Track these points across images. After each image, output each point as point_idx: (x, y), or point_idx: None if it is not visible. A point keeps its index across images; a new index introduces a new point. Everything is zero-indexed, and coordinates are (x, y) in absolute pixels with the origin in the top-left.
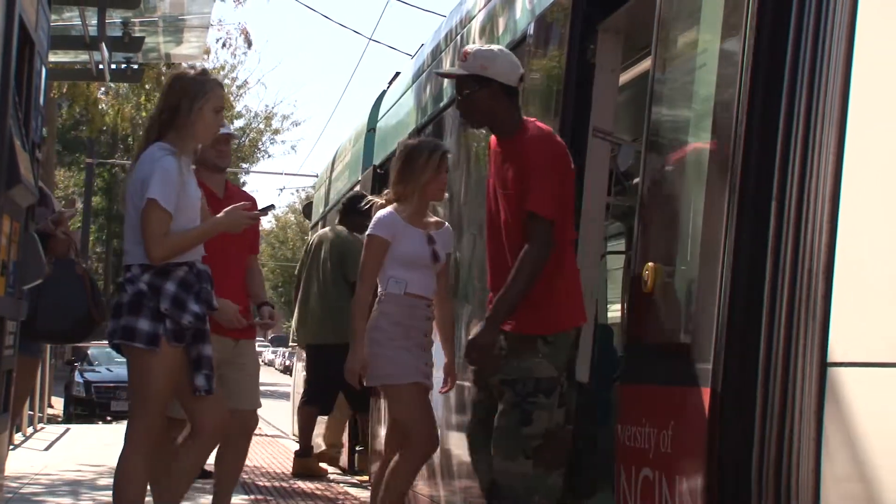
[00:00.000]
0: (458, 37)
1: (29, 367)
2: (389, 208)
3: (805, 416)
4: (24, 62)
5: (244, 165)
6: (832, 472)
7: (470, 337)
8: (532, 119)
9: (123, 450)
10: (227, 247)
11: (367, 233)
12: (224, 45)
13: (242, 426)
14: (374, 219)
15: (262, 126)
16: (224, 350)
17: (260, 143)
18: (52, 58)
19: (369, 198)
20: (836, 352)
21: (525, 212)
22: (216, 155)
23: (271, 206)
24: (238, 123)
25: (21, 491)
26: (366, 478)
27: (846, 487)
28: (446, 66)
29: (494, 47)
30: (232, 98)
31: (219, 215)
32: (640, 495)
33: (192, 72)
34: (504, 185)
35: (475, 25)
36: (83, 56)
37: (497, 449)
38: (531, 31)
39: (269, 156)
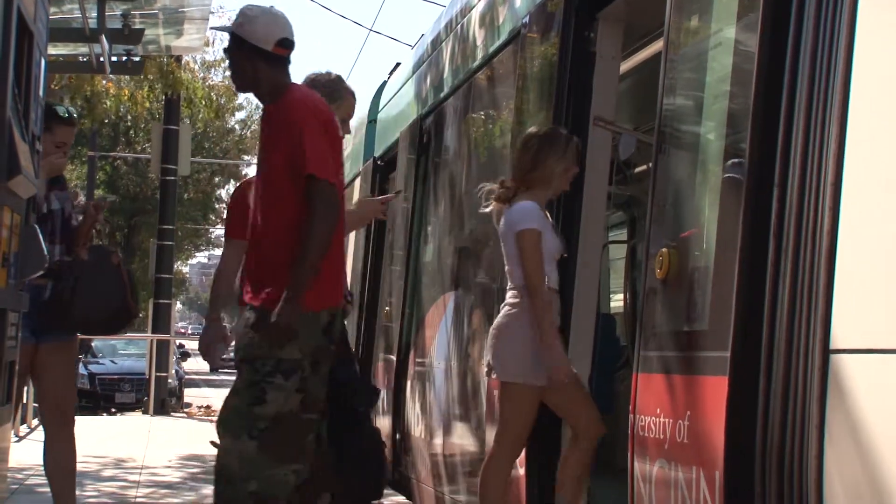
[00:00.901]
0: (459, 26)
1: (60, 351)
2: (526, 199)
3: (808, 402)
4: (23, 54)
5: (245, 158)
6: (835, 458)
7: (273, 318)
8: (300, 85)
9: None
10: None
11: (521, 227)
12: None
13: None
14: (519, 211)
15: None
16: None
17: None
18: (53, 50)
19: (485, 186)
20: (839, 339)
21: (303, 177)
22: None
23: (398, 192)
24: (239, 115)
25: (26, 482)
26: None
27: (849, 474)
28: (446, 55)
29: (268, 6)
30: (233, 91)
31: (353, 207)
32: (655, 486)
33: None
34: (272, 149)
35: (475, 14)
36: (83, 48)
37: (224, 429)
38: (530, 19)
39: None
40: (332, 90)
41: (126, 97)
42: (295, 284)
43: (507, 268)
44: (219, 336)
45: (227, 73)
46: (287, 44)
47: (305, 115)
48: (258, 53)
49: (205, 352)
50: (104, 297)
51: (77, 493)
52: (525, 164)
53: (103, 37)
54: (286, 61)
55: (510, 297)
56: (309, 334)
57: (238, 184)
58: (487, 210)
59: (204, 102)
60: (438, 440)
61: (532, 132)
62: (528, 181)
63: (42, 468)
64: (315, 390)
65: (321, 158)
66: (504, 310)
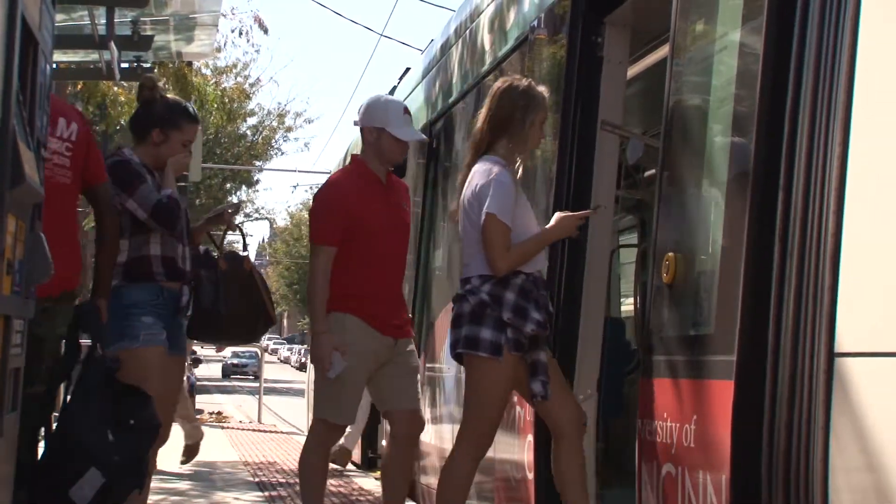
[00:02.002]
0: (468, 31)
1: (178, 366)
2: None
3: (814, 406)
4: (28, 61)
5: (258, 163)
6: (841, 461)
7: None
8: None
9: (452, 452)
10: (390, 251)
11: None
12: (240, 33)
13: (408, 426)
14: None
15: (275, 124)
16: (385, 349)
17: (273, 140)
18: (63, 57)
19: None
20: (843, 342)
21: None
22: (400, 153)
23: (598, 207)
24: (251, 121)
25: None
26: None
27: (855, 477)
28: (455, 60)
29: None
30: (244, 95)
31: (551, 223)
32: (663, 491)
33: (524, 83)
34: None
35: (484, 19)
36: (93, 55)
37: None
38: (538, 24)
39: (283, 153)
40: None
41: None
42: None
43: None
44: (332, 346)
45: (239, 78)
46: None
47: None
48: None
49: (319, 363)
50: (244, 304)
51: None
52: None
53: (112, 43)
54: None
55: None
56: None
57: (323, 189)
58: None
59: (216, 106)
60: (448, 445)
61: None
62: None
63: None
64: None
65: None
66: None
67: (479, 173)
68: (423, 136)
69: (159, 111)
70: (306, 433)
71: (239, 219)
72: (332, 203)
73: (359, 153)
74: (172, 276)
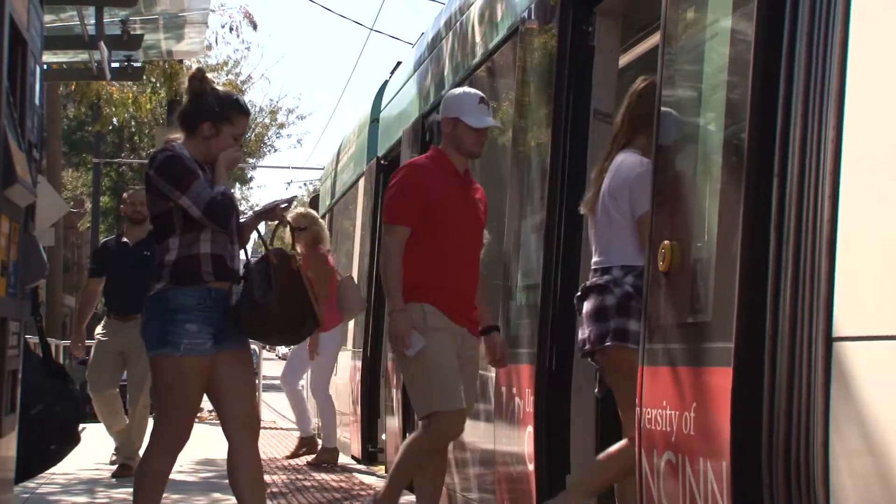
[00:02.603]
0: (458, 23)
1: (246, 359)
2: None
3: (813, 391)
4: (17, 62)
5: (251, 160)
6: (841, 446)
7: None
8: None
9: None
10: (465, 245)
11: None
12: (230, 29)
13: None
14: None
15: (267, 121)
16: (459, 339)
17: (266, 137)
18: (52, 58)
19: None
20: (841, 326)
21: None
22: (476, 143)
23: None
24: None
25: (38, 491)
26: (381, 468)
27: (855, 461)
28: (447, 53)
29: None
30: (237, 91)
31: None
32: (664, 479)
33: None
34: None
35: (474, 11)
36: (83, 55)
37: None
38: (528, 14)
39: (276, 150)
40: None
41: (130, 100)
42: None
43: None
44: (411, 323)
45: (230, 75)
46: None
47: None
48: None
49: (398, 341)
50: (292, 302)
51: (88, 500)
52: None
53: (102, 43)
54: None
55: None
56: None
57: (403, 170)
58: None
59: None
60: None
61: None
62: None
63: (53, 476)
64: None
65: None
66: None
67: (628, 166)
68: (496, 123)
69: (210, 104)
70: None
71: None
72: (411, 183)
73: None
74: (221, 275)
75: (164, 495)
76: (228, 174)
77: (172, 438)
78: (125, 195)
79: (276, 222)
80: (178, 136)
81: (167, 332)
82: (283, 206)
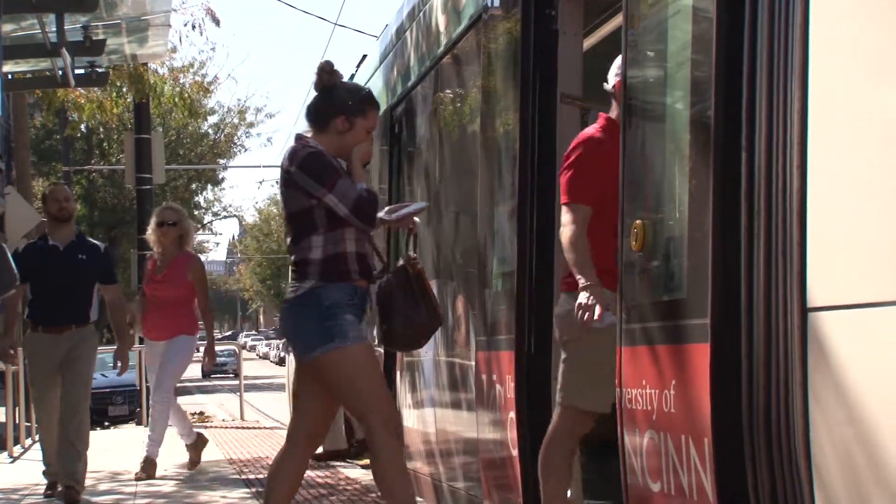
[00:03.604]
0: (421, 14)
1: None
2: None
3: (791, 362)
4: None
5: (221, 161)
6: (821, 415)
7: None
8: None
9: None
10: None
11: None
12: (193, 27)
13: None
14: None
15: (236, 121)
16: None
17: (235, 137)
18: (15, 67)
19: None
20: (815, 297)
21: None
22: None
23: None
24: (212, 120)
25: (22, 503)
26: (366, 461)
27: (836, 430)
28: (411, 44)
29: None
30: (203, 95)
31: None
32: (646, 457)
33: None
34: None
35: (437, 1)
36: (46, 63)
37: None
38: (492, 1)
39: (246, 150)
40: None
41: (96, 104)
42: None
43: None
44: (604, 300)
45: (196, 77)
46: None
47: None
48: None
49: (587, 311)
50: (427, 308)
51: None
52: None
53: (64, 50)
54: None
55: None
56: None
57: (580, 144)
58: None
59: (176, 101)
60: (432, 429)
61: None
62: None
63: (37, 487)
64: None
65: None
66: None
67: None
68: None
69: (342, 98)
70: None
71: (208, 217)
72: (591, 158)
73: None
74: (365, 274)
75: (149, 500)
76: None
77: (388, 418)
78: (47, 191)
79: (409, 230)
80: (308, 132)
81: (330, 326)
82: (415, 214)
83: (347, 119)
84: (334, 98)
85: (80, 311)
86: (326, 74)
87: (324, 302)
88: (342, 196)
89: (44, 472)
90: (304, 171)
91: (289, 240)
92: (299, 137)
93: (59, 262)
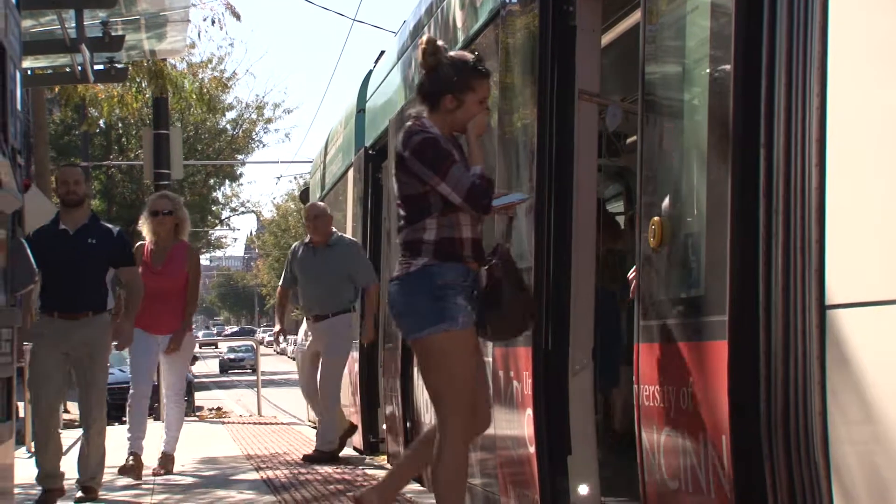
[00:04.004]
0: (439, 10)
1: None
2: None
3: (809, 360)
4: None
5: (239, 157)
6: (839, 413)
7: None
8: None
9: None
10: None
11: None
12: (213, 22)
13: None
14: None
15: (254, 116)
16: None
17: (254, 133)
18: (34, 63)
19: None
20: (833, 294)
21: None
22: None
23: None
24: (230, 115)
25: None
26: (383, 458)
27: (854, 428)
28: None
29: None
30: (221, 91)
31: None
32: (664, 454)
33: None
34: None
35: None
36: (66, 59)
37: None
38: None
39: (264, 145)
40: None
41: (116, 99)
42: None
43: None
44: None
45: (215, 73)
46: None
47: None
48: None
49: None
50: (525, 296)
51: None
52: None
53: (84, 46)
54: None
55: None
56: None
57: None
58: None
59: (195, 96)
60: None
61: None
62: None
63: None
64: None
65: None
66: None
67: None
68: None
69: (447, 75)
70: (307, 422)
71: (225, 213)
72: None
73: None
74: (478, 258)
75: (167, 495)
76: (479, 142)
77: (467, 424)
78: (58, 173)
79: (509, 218)
80: (421, 109)
81: (441, 307)
82: (517, 204)
83: (455, 97)
84: (440, 77)
85: (93, 296)
86: (429, 55)
87: (437, 280)
88: (455, 185)
89: (38, 479)
90: (416, 157)
91: (402, 220)
92: (415, 117)
93: (66, 246)
